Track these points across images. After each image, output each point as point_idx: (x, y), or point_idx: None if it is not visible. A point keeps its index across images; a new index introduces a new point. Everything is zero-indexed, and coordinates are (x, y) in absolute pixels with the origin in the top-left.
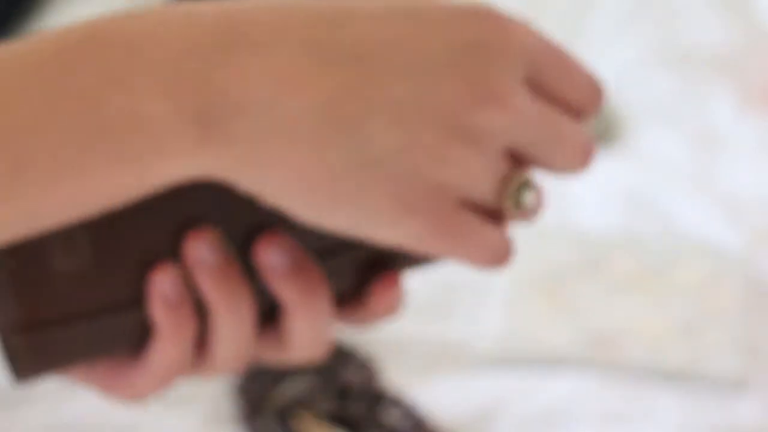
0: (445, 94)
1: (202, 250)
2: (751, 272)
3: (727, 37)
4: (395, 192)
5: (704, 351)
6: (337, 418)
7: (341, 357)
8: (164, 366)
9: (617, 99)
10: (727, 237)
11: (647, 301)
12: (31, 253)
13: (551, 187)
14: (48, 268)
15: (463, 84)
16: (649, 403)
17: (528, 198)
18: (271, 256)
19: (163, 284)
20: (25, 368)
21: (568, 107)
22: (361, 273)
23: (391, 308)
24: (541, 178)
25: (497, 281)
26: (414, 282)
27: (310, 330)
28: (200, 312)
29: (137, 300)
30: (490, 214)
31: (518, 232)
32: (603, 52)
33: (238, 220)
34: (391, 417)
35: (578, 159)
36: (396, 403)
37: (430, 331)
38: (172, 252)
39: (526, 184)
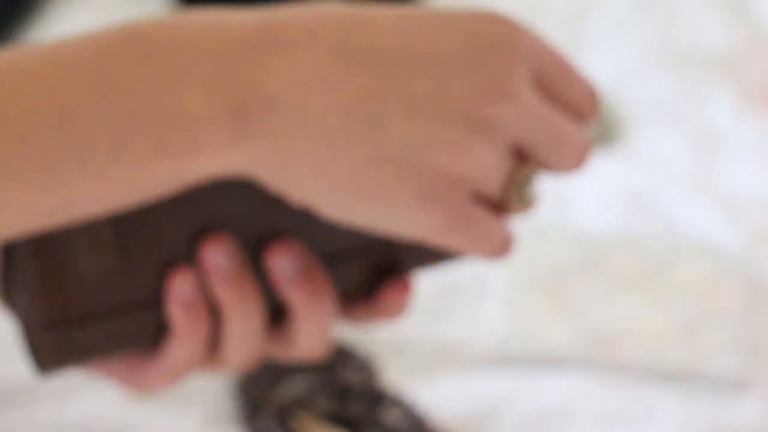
0: (462, 90)
1: (217, 256)
2: (751, 272)
3: (727, 37)
4: (416, 185)
5: (704, 351)
6: (337, 418)
7: (341, 357)
8: (179, 362)
9: (617, 99)
10: (727, 237)
11: (647, 301)
12: (56, 255)
13: (552, 187)
14: (72, 270)
15: (478, 81)
16: (649, 403)
17: (530, 191)
18: (281, 262)
19: (180, 287)
20: (47, 363)
21: (568, 110)
22: (370, 276)
23: (401, 310)
24: (540, 177)
25: (497, 281)
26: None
27: (316, 331)
28: (214, 313)
29: (156, 300)
30: (493, 206)
31: (519, 232)
32: (603, 52)
33: (252, 225)
34: (391, 417)
35: (576, 159)
36: (396, 403)
37: (430, 331)
38: (189, 254)
39: (530, 178)
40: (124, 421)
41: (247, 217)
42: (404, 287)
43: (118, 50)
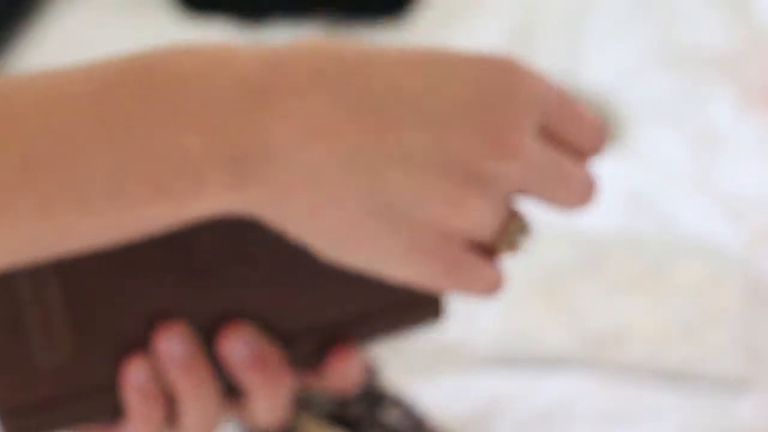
0: (461, 144)
1: (171, 344)
2: (751, 272)
3: (727, 37)
4: (410, 237)
5: (704, 351)
6: (337, 418)
7: None
8: None
9: (617, 99)
10: (727, 237)
11: (647, 301)
12: (14, 352)
13: None
14: (29, 365)
15: (479, 134)
16: (649, 403)
17: (522, 241)
18: (234, 347)
19: (135, 374)
20: None
21: (574, 150)
22: (320, 347)
23: (350, 379)
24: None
25: None
26: None
27: (271, 409)
28: (169, 397)
29: (112, 385)
30: (484, 247)
31: None
32: (603, 52)
33: (207, 306)
34: (391, 417)
35: (581, 198)
36: (396, 403)
37: (430, 331)
38: (144, 340)
39: (524, 228)
40: None
41: (202, 298)
42: (349, 358)
43: (121, 85)
